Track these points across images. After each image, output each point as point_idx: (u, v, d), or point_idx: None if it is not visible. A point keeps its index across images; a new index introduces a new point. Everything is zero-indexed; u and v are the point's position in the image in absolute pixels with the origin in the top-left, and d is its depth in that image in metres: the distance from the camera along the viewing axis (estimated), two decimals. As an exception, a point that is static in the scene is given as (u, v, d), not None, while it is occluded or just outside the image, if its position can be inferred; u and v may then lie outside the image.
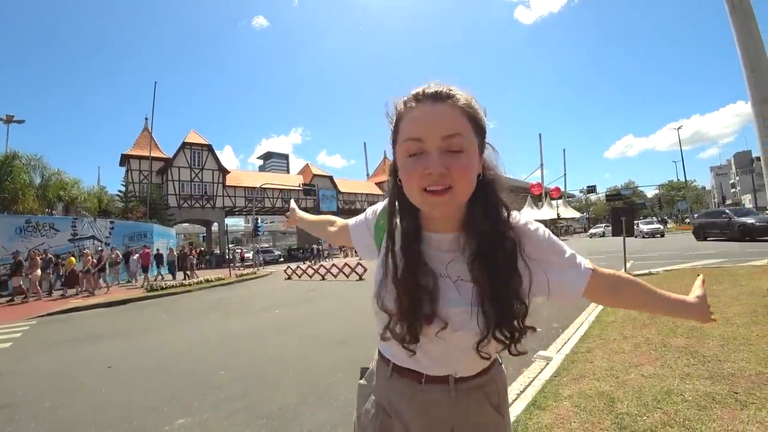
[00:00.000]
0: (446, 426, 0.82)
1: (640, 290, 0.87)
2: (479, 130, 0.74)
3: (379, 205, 0.96)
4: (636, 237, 24.91)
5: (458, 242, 0.79)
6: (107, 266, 14.46)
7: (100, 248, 15.66)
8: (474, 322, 0.75)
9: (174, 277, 17.03)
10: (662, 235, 25.04)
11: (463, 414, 0.82)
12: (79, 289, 13.35)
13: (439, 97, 0.71)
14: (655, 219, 39.14)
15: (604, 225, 44.93)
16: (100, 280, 13.81)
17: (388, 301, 0.81)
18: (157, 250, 18.79)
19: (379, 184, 48.22)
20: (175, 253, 18.65)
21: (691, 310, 0.87)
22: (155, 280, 15.74)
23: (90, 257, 13.32)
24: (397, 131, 0.75)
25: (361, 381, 0.98)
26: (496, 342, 0.76)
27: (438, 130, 0.69)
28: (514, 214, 0.80)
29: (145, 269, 15.59)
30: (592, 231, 42.85)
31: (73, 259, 13.93)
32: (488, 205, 0.77)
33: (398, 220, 0.83)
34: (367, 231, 1.00)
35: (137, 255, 16.23)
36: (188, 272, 18.12)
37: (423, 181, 0.70)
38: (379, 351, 0.94)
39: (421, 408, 0.83)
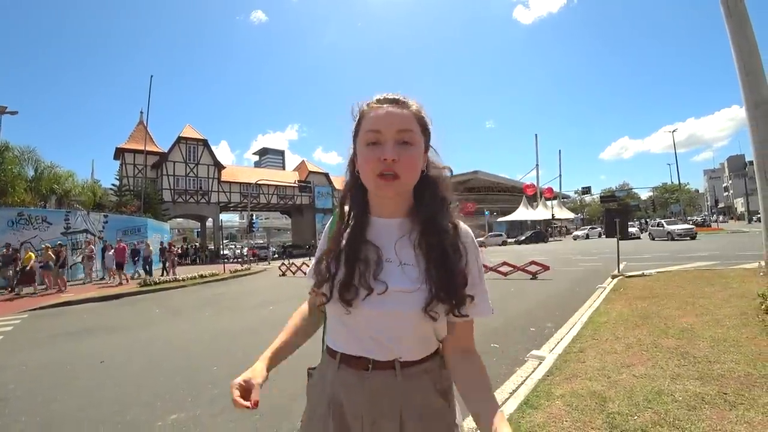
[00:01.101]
0: (395, 409, 0.85)
1: (478, 377, 0.86)
2: (425, 132, 0.89)
3: (329, 222, 1.04)
4: (663, 239, 24.79)
5: (404, 227, 0.90)
6: (83, 260, 14.08)
7: (87, 240, 15.71)
8: (419, 288, 0.83)
9: (150, 275, 15.71)
10: (693, 238, 22.95)
11: (410, 396, 0.86)
12: (38, 287, 12.36)
13: (396, 102, 0.87)
14: (689, 219, 39.03)
15: (588, 227, 45.11)
16: (64, 276, 12.86)
17: (328, 269, 0.89)
18: (134, 245, 17.45)
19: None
20: (151, 248, 17.42)
21: None
22: (133, 277, 15.24)
23: (50, 252, 12.33)
24: (359, 126, 0.89)
25: (310, 381, 1.01)
26: (441, 304, 0.82)
27: (394, 125, 0.83)
28: (453, 207, 0.92)
29: (119, 266, 14.27)
30: (576, 233, 42.31)
31: (31, 254, 12.73)
32: (432, 196, 0.90)
33: (348, 208, 0.95)
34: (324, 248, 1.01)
35: (112, 250, 14.70)
36: (168, 269, 17.26)
37: (378, 166, 0.82)
38: (326, 348, 0.98)
39: (370, 394, 0.86)
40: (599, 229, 41.95)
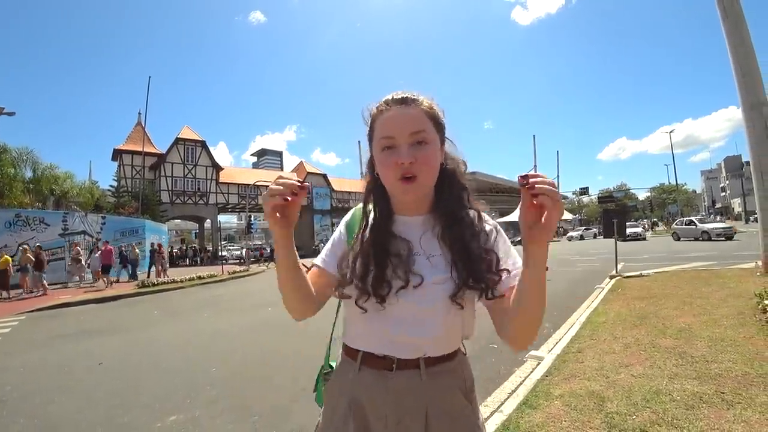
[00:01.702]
0: (421, 409, 0.85)
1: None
2: (439, 127, 0.88)
3: (347, 217, 1.03)
4: (691, 240, 22.34)
5: (428, 223, 0.91)
6: (70, 263, 13.61)
7: (74, 242, 15.38)
8: (448, 278, 0.83)
9: (134, 278, 15.27)
10: (730, 238, 20.93)
11: (435, 396, 0.86)
12: (17, 292, 11.54)
13: (405, 102, 0.85)
14: (719, 217, 37.40)
15: (583, 228, 45.10)
16: (44, 281, 12.05)
17: (359, 265, 0.87)
18: (121, 248, 16.48)
19: (373, 183, 47.97)
20: (137, 251, 16.69)
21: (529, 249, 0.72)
22: (118, 280, 14.81)
23: (28, 254, 11.70)
24: (373, 131, 0.88)
25: (328, 383, 0.99)
26: (469, 291, 0.82)
27: (406, 128, 0.83)
28: (471, 195, 0.94)
29: (105, 269, 13.54)
30: (570, 234, 42.07)
31: (7, 257, 11.51)
32: (452, 188, 0.91)
33: (372, 207, 0.94)
34: (345, 244, 0.97)
35: (99, 252, 14.02)
36: (158, 272, 16.37)
37: (397, 171, 0.82)
38: (345, 347, 0.96)
39: (395, 394, 0.85)
40: (594, 229, 41.69)
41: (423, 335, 0.85)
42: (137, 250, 16.75)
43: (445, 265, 0.85)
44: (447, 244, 0.86)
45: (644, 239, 27.78)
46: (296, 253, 0.84)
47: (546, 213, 0.67)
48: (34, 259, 11.81)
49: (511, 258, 0.87)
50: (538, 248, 0.71)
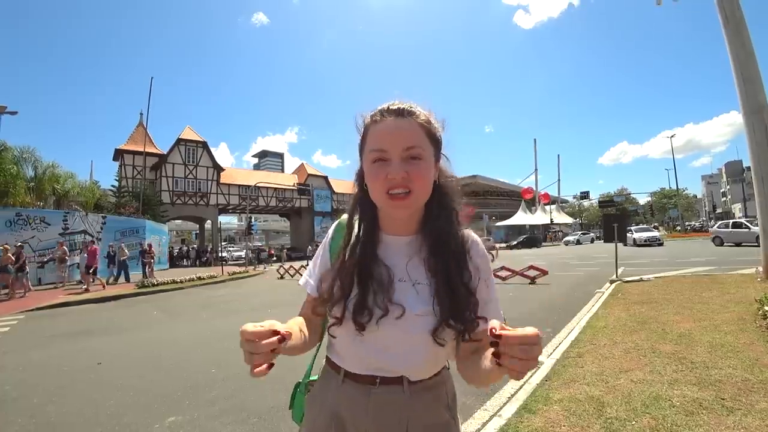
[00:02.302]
0: (402, 423, 0.84)
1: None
2: (435, 142, 0.84)
3: (330, 233, 0.99)
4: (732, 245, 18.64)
5: (414, 244, 0.87)
6: (55, 263, 13.11)
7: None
8: (431, 311, 0.81)
9: (127, 280, 14.73)
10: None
11: (417, 411, 0.84)
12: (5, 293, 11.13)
13: (401, 113, 0.81)
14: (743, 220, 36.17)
15: (580, 232, 44.47)
16: (26, 281, 11.68)
17: (336, 289, 0.85)
18: (110, 248, 15.64)
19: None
20: (127, 252, 15.61)
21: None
22: (108, 282, 14.22)
23: (9, 253, 11.05)
24: (365, 142, 0.85)
25: (309, 393, 0.97)
26: (449, 329, 0.80)
27: (400, 143, 0.79)
28: (461, 215, 0.90)
29: (90, 269, 12.72)
30: (567, 238, 41.43)
31: None
32: (442, 207, 0.87)
33: (357, 223, 0.91)
34: (328, 263, 0.94)
35: (85, 253, 13.12)
36: (147, 273, 15.66)
37: (386, 184, 0.79)
38: (327, 359, 0.94)
39: (376, 408, 0.84)
40: (592, 234, 41.19)
41: (405, 365, 0.84)
42: (126, 251, 15.68)
43: (429, 297, 0.82)
44: (432, 272, 0.83)
45: (661, 244, 24.25)
46: (291, 338, 0.71)
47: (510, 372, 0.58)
48: (14, 258, 11.14)
49: (491, 303, 0.86)
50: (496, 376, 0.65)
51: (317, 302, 0.91)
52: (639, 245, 23.33)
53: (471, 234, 0.91)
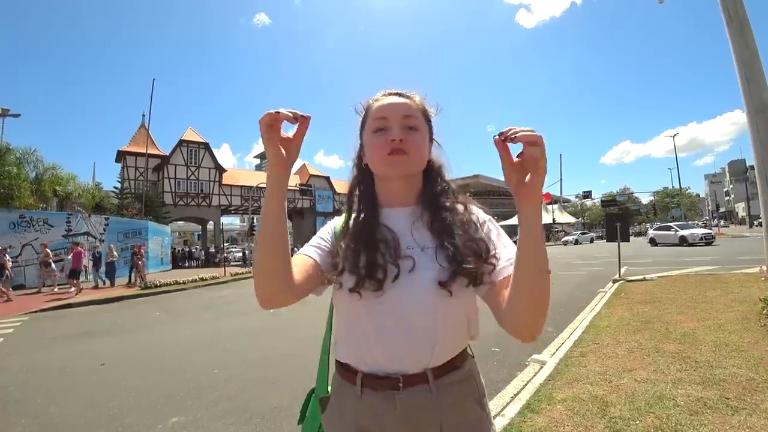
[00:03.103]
0: (435, 425, 0.80)
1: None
2: (428, 123, 0.91)
3: (336, 220, 0.98)
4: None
5: (415, 213, 0.89)
6: (39, 266, 12.36)
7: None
8: (440, 268, 0.80)
9: (111, 284, 14.04)
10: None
11: (449, 411, 0.81)
12: None
13: (399, 94, 0.90)
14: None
15: (579, 232, 43.77)
16: (6, 287, 10.99)
17: (348, 253, 0.84)
18: (94, 250, 14.85)
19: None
20: (115, 253, 14.66)
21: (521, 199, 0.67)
22: (97, 285, 13.74)
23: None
24: (366, 118, 0.91)
25: (325, 413, 0.91)
26: (461, 277, 0.78)
27: (399, 111, 0.85)
28: (459, 191, 0.94)
29: (73, 274, 12.00)
30: (565, 238, 40.15)
31: None
32: (438, 184, 0.92)
33: (356, 205, 0.94)
34: (333, 240, 0.92)
35: (70, 255, 12.58)
36: (136, 276, 14.44)
37: (386, 147, 0.83)
38: (339, 367, 0.89)
39: (405, 415, 0.79)
40: (591, 234, 40.39)
41: (423, 336, 0.79)
42: (115, 253, 14.69)
43: (437, 254, 0.82)
44: (437, 232, 0.84)
45: (712, 242, 20.38)
46: (286, 209, 0.76)
47: (533, 164, 0.63)
48: None
49: (506, 247, 0.83)
50: (531, 207, 0.65)
51: (319, 269, 0.85)
52: (691, 244, 20.10)
53: (469, 200, 0.94)
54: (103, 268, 14.35)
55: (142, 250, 15.18)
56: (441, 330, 0.80)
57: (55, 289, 12.53)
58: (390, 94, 0.89)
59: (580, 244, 36.46)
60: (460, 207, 0.90)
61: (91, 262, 14.31)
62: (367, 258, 0.81)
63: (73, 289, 11.89)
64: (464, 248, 0.80)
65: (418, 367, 0.80)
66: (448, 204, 0.89)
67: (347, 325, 0.86)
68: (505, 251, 0.82)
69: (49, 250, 13.04)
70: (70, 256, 12.67)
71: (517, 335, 0.73)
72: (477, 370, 0.91)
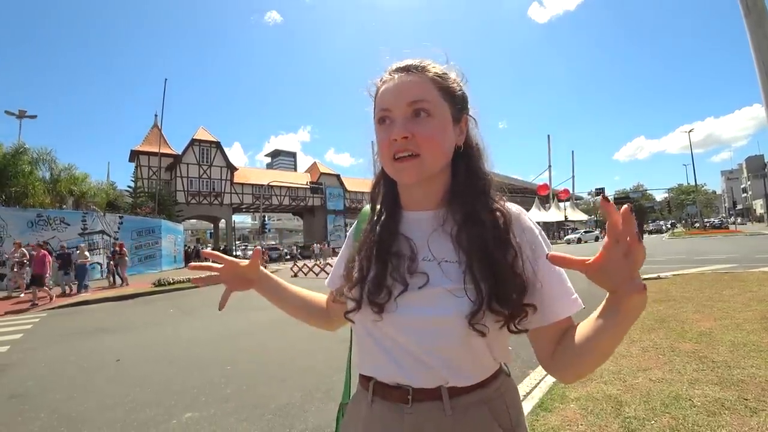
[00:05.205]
0: None
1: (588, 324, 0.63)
2: (452, 98, 0.72)
3: (353, 226, 0.92)
4: None
5: (438, 218, 0.74)
6: (13, 268, 11.15)
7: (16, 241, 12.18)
8: (462, 289, 0.66)
9: (78, 290, 11.89)
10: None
11: None
12: None
13: (408, 69, 0.72)
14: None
15: (583, 230, 42.49)
16: None
17: (356, 271, 0.76)
18: (62, 249, 12.69)
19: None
20: (87, 255, 12.52)
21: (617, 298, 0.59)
22: (65, 292, 11.63)
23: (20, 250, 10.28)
24: (375, 105, 0.76)
25: (344, 420, 0.85)
26: (492, 314, 0.64)
27: (403, 98, 0.69)
28: (495, 187, 0.76)
29: (36, 279, 10.17)
30: (569, 237, 39.08)
31: None
32: (470, 178, 0.74)
33: (380, 204, 0.81)
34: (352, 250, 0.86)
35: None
36: (116, 275, 13.64)
37: (391, 148, 0.69)
38: (359, 375, 0.81)
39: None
40: (596, 232, 38.95)
41: (437, 359, 0.67)
42: (87, 254, 12.69)
43: (459, 275, 0.67)
44: (463, 248, 0.68)
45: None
46: (280, 288, 0.94)
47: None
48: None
49: (558, 277, 0.69)
50: (642, 297, 0.55)
51: (335, 294, 0.83)
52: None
53: (510, 206, 0.74)
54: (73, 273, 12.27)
55: (124, 248, 14.32)
56: (461, 359, 0.68)
57: (22, 295, 11.30)
58: (397, 70, 0.73)
59: (583, 242, 35.29)
60: (494, 214, 0.71)
61: (56, 265, 12.09)
62: (373, 275, 0.72)
63: (44, 296, 10.20)
64: (502, 275, 0.65)
65: (431, 384, 0.69)
66: (481, 209, 0.71)
67: (355, 339, 0.80)
68: (556, 285, 0.68)
69: (24, 250, 11.54)
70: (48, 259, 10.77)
71: (562, 381, 0.70)
72: (511, 391, 0.75)
